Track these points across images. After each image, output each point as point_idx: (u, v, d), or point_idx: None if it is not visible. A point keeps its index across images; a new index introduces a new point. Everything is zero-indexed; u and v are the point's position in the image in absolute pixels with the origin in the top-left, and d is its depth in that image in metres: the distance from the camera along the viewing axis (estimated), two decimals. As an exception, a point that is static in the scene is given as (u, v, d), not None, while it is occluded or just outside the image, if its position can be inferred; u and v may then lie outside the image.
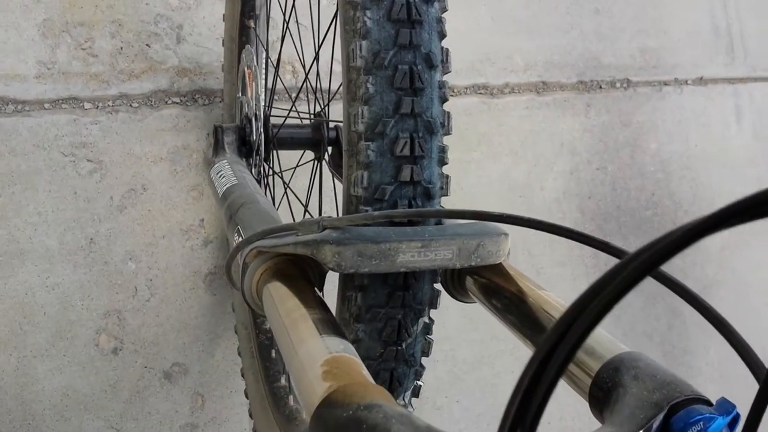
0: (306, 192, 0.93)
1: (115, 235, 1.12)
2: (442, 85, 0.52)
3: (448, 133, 0.52)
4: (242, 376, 1.12)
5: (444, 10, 0.52)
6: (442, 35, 0.52)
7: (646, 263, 0.24)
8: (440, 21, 0.52)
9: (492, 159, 1.41)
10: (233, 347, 1.17)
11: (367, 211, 0.50)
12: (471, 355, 1.35)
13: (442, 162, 0.52)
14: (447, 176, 0.53)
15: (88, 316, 1.10)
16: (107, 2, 1.16)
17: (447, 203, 1.41)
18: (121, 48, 1.16)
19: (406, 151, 0.49)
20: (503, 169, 1.42)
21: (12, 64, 1.10)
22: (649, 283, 1.53)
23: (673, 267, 1.57)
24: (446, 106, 0.53)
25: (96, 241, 1.11)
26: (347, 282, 0.52)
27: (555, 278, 1.44)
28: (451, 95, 1.40)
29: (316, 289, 0.52)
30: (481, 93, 1.42)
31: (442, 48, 0.52)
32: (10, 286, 1.06)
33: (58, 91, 1.12)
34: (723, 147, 1.65)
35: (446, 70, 0.52)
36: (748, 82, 1.69)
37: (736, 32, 1.70)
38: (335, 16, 0.53)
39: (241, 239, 0.58)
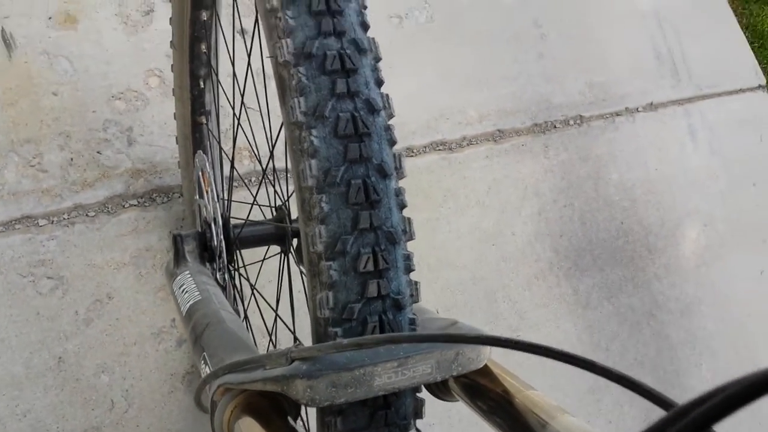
0: (276, 286, 0.91)
1: (84, 350, 1.08)
2: (398, 192, 0.51)
3: (410, 239, 0.51)
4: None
5: (391, 116, 0.51)
6: (392, 142, 0.51)
7: (696, 423, 0.21)
8: (388, 129, 0.51)
9: (460, 213, 1.41)
10: (222, 448, 1.13)
11: (336, 332, 0.48)
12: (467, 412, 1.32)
13: (409, 270, 0.51)
14: (416, 283, 0.51)
15: (65, 439, 1.05)
16: (52, 115, 1.14)
17: (420, 261, 1.39)
18: (71, 159, 1.14)
19: (370, 267, 0.48)
20: (472, 221, 1.41)
21: (-41, 189, 1.07)
22: (632, 311, 1.53)
23: (653, 291, 1.57)
24: (405, 212, 0.51)
25: (65, 359, 1.07)
26: (324, 408, 0.50)
27: (539, 320, 1.43)
28: (411, 155, 1.40)
29: (290, 420, 0.49)
30: (439, 149, 1.43)
31: (394, 155, 0.51)
32: (-20, 422, 1.01)
33: (10, 212, 1.09)
34: (682, 167, 1.67)
35: (401, 176, 0.51)
36: (696, 101, 1.72)
37: (677, 55, 1.74)
38: None
39: (207, 369, 0.56)
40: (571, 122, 1.56)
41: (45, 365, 1.06)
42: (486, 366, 0.51)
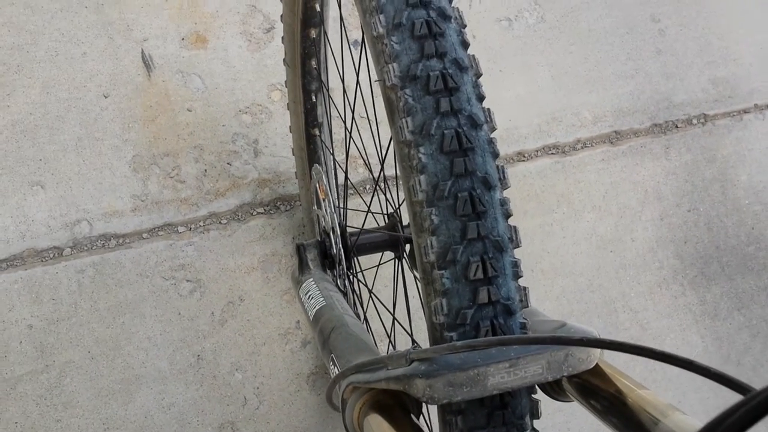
0: (392, 290, 0.95)
1: (219, 348, 1.18)
2: (503, 203, 0.53)
3: (517, 246, 0.53)
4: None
5: (493, 129, 0.54)
6: (495, 155, 0.54)
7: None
8: (491, 142, 0.53)
9: (574, 218, 1.39)
10: (343, 445, 1.19)
11: (451, 336, 0.51)
12: (587, 425, 1.30)
13: (517, 276, 0.53)
14: (525, 288, 0.53)
15: (204, 431, 1.15)
16: (188, 130, 1.25)
17: (534, 267, 1.38)
18: (206, 170, 1.24)
19: (480, 274, 0.50)
20: (588, 226, 1.39)
21: (109, 201, 1.20)
22: (766, 323, 1.44)
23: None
24: (514, 219, 0.54)
25: (203, 356, 1.17)
26: (445, 407, 0.53)
27: (662, 331, 1.38)
28: (522, 159, 1.40)
29: (413, 416, 0.52)
30: (552, 153, 1.42)
31: (497, 167, 0.53)
32: (130, 411, 1.12)
33: (153, 220, 1.20)
34: (822, 165, 1.56)
35: (505, 186, 0.54)
36: (836, 94, 1.60)
37: (813, 45, 1.62)
38: None
39: (336, 369, 0.60)
40: (695, 121, 1.49)
41: (186, 362, 1.16)
42: (598, 366, 0.53)
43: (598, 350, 0.53)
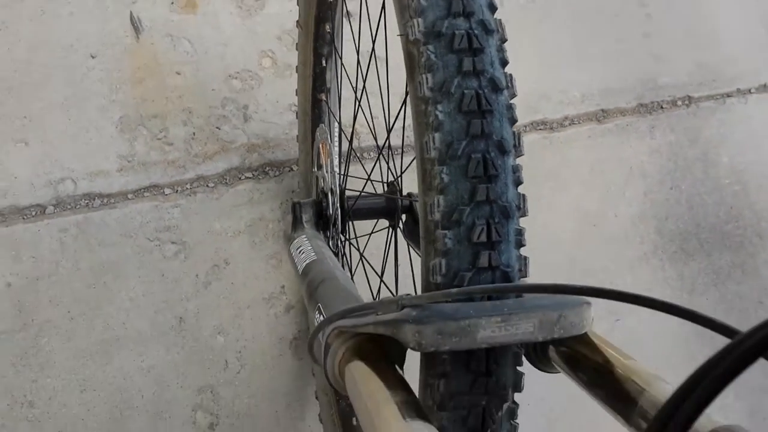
0: (382, 258, 0.95)
1: (202, 311, 1.17)
2: (516, 169, 0.53)
3: (524, 215, 0.53)
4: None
5: (513, 95, 0.53)
6: (513, 121, 0.53)
7: (760, 344, 0.22)
8: (510, 108, 0.53)
9: (561, 192, 1.40)
10: (325, 410, 1.20)
11: (445, 299, 0.51)
12: (561, 399, 1.32)
13: (520, 244, 0.52)
14: (526, 258, 0.53)
15: (183, 394, 1.14)
16: (176, 93, 1.23)
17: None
18: (194, 133, 1.22)
19: (483, 238, 0.50)
20: (573, 201, 1.41)
21: (95, 161, 1.18)
22: (740, 299, 1.47)
23: (763, 278, 1.50)
24: (521, 189, 0.53)
25: (185, 319, 1.16)
26: (429, 368, 0.52)
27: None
28: (511, 135, 1.41)
29: (396, 366, 0.52)
30: (540, 129, 1.43)
31: (513, 133, 0.53)
32: (108, 373, 1.11)
33: (140, 180, 1.19)
34: (800, 151, 1.59)
35: (519, 154, 0.53)
36: (816, 81, 1.63)
37: (796, 32, 1.64)
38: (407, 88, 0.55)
39: (321, 317, 0.60)
40: (679, 103, 1.51)
41: (168, 324, 1.16)
42: (586, 335, 0.52)
43: (590, 316, 0.52)
